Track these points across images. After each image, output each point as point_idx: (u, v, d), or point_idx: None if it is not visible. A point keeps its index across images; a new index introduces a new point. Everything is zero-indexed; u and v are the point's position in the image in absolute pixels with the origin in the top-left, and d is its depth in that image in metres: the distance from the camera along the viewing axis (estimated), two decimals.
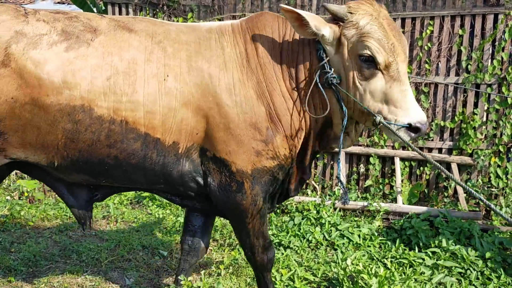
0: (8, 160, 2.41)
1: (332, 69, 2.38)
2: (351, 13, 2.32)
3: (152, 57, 2.34)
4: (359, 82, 2.35)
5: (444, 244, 3.94)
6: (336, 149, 2.55)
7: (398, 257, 3.83)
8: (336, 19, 2.37)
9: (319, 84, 2.38)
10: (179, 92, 2.35)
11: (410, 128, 2.30)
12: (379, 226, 4.53)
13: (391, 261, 3.77)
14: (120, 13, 6.07)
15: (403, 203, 4.90)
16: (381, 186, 5.22)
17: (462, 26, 4.83)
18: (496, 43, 4.69)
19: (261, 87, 2.42)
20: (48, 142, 2.35)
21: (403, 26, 4.97)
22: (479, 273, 3.65)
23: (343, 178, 2.74)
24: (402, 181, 5.11)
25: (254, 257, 2.70)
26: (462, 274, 3.66)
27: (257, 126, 2.39)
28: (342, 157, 5.08)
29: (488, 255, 3.78)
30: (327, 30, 2.33)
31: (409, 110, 2.30)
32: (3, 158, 2.40)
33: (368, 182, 5.24)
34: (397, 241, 4.09)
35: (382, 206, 4.70)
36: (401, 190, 4.99)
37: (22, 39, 2.24)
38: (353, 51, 2.32)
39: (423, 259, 3.79)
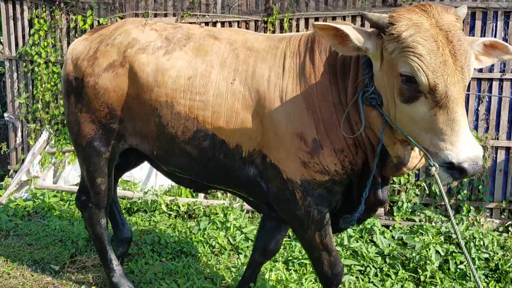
0: (127, 146, 2.90)
1: (373, 87, 2.11)
2: (392, 23, 1.96)
3: (226, 62, 2.53)
4: (399, 105, 2.00)
5: (345, 242, 3.96)
6: (404, 174, 2.53)
7: (300, 257, 3.80)
8: (378, 30, 2.04)
9: (360, 101, 2.17)
10: (241, 95, 2.46)
11: (453, 167, 1.87)
12: None
13: (293, 262, 3.73)
14: (14, 11, 5.64)
15: None
16: None
17: (362, 25, 4.92)
18: None
19: (312, 98, 2.34)
20: (147, 132, 2.74)
21: (306, 26, 4.98)
22: (378, 270, 3.69)
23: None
24: None
25: (318, 270, 2.64)
26: (361, 272, 3.69)
27: (303, 137, 2.32)
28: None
29: (386, 251, 3.84)
30: (370, 43, 2.04)
31: (456, 145, 1.86)
32: (124, 143, 2.89)
33: None
34: None
35: None
36: None
37: (135, 45, 2.70)
38: (394, 68, 1.98)
39: None
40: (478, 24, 4.57)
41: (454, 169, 1.87)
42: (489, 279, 3.67)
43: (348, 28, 2.03)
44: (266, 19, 5.03)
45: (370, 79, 2.13)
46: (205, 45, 2.60)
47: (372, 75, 2.12)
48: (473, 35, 4.60)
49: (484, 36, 4.57)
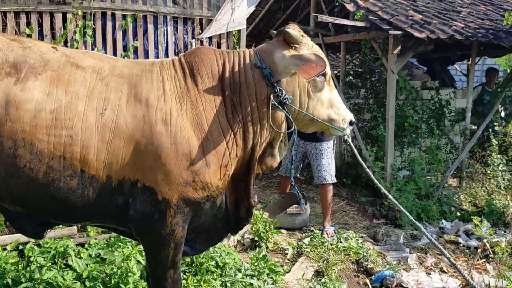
0: None
1: (283, 91, 2.58)
2: (303, 36, 2.62)
3: (94, 92, 2.35)
4: (313, 94, 2.68)
5: (36, 274, 3.44)
6: (275, 165, 2.82)
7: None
8: (292, 43, 2.60)
9: (277, 105, 2.55)
10: (114, 123, 2.34)
11: (351, 123, 2.85)
12: None
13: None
14: None
15: None
16: None
17: (29, 24, 4.33)
18: (69, 43, 4.44)
19: (200, 119, 2.46)
20: None
21: None
22: None
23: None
24: None
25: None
26: None
27: (190, 157, 2.41)
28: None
29: (85, 273, 3.53)
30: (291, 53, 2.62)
31: (346, 110, 2.83)
32: None
33: None
34: None
35: None
36: None
37: None
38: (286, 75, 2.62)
39: None
40: (151, 27, 4.68)
41: (351, 125, 2.83)
42: (187, 274, 3.86)
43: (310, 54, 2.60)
44: None
45: (278, 85, 2.57)
46: (66, 74, 2.34)
47: (278, 81, 2.59)
48: (147, 38, 4.68)
49: (157, 39, 4.72)
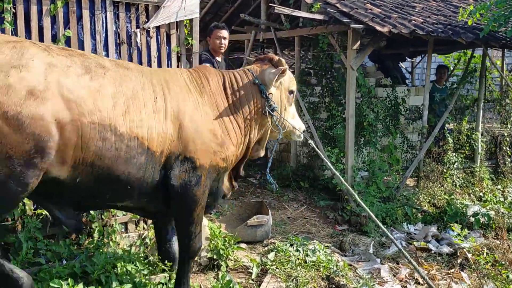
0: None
1: (273, 101, 3.52)
2: (281, 60, 3.58)
3: (145, 86, 2.99)
4: (287, 107, 3.71)
5: None
6: (260, 155, 3.85)
7: None
8: (278, 66, 3.56)
9: (269, 111, 3.48)
10: (164, 108, 3.01)
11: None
12: None
13: None
14: None
15: None
16: None
17: None
18: None
19: (215, 108, 3.30)
20: (78, 157, 2.71)
21: None
22: None
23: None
24: None
25: (190, 243, 3.31)
26: None
27: (214, 133, 3.21)
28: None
29: None
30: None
31: (300, 121, 3.93)
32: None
33: None
34: None
35: None
36: None
37: (54, 69, 2.63)
38: (286, 88, 3.67)
39: None
40: (86, 14, 3.91)
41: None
42: None
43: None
44: None
45: (269, 97, 3.49)
46: (122, 74, 2.92)
47: (270, 94, 3.51)
48: (82, 26, 3.91)
49: (94, 27, 3.96)
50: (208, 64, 4.17)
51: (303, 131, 3.85)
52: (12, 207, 2.78)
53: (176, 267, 3.58)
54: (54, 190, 2.76)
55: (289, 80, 3.67)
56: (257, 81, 3.47)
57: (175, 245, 3.76)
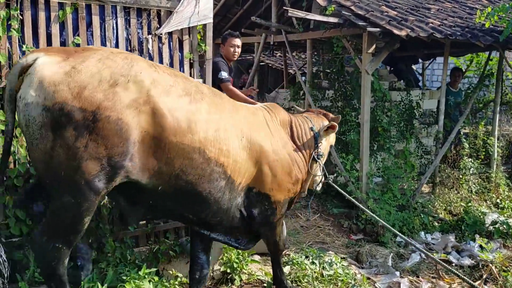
0: (126, 180, 2.84)
1: (321, 150, 3.85)
2: (338, 118, 4.04)
3: (236, 121, 3.26)
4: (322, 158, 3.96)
5: None
6: (302, 196, 4.23)
7: None
8: (330, 121, 3.97)
9: (316, 158, 3.81)
10: (248, 148, 3.28)
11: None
12: None
13: None
14: None
15: None
16: None
17: None
18: None
19: (291, 152, 3.63)
20: (163, 170, 2.92)
21: None
22: None
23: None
24: None
25: (277, 246, 3.88)
26: None
27: (290, 174, 3.56)
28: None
29: None
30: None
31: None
32: (124, 178, 2.83)
33: None
34: None
35: None
36: None
37: (158, 86, 2.84)
38: (330, 142, 4.12)
39: None
40: (96, 20, 3.74)
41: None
42: None
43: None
44: None
45: (319, 146, 3.85)
46: (217, 103, 3.18)
47: (320, 143, 3.87)
48: (91, 33, 3.75)
49: (105, 34, 3.80)
50: (275, 104, 4.29)
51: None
52: (95, 203, 2.80)
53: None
54: (135, 191, 2.95)
55: (333, 137, 4.15)
56: (313, 128, 3.81)
57: (205, 270, 3.77)
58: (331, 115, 4.07)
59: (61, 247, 2.79)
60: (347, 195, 4.12)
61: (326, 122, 3.94)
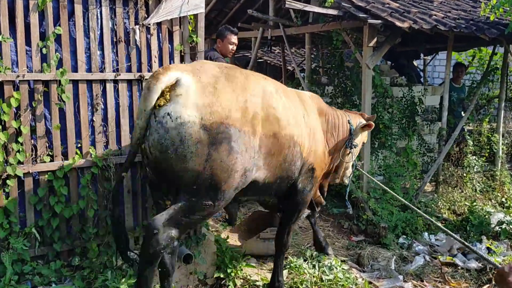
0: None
1: (355, 141, 4.30)
2: (374, 117, 4.55)
3: (303, 114, 3.65)
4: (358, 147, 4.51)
5: None
6: (337, 182, 4.75)
7: None
8: (367, 120, 4.43)
9: (349, 146, 4.24)
10: (307, 133, 3.63)
11: None
12: None
13: None
14: None
15: None
16: None
17: None
18: None
19: (324, 134, 4.06)
20: (272, 163, 3.36)
21: None
22: None
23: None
24: None
25: (286, 238, 3.98)
26: None
27: (324, 153, 3.99)
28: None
29: None
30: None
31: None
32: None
33: None
34: None
35: None
36: None
37: (272, 96, 3.29)
38: (362, 139, 4.63)
39: None
40: (79, 9, 3.49)
41: None
42: None
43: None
44: None
45: (354, 136, 4.28)
46: (291, 101, 3.55)
47: (354, 134, 4.29)
48: (74, 23, 3.50)
49: (88, 24, 3.55)
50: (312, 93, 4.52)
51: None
52: (229, 199, 3.09)
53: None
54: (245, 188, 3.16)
55: (366, 135, 4.68)
56: (350, 121, 4.24)
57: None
58: (366, 115, 4.57)
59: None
60: (381, 185, 4.58)
61: (363, 121, 4.36)
